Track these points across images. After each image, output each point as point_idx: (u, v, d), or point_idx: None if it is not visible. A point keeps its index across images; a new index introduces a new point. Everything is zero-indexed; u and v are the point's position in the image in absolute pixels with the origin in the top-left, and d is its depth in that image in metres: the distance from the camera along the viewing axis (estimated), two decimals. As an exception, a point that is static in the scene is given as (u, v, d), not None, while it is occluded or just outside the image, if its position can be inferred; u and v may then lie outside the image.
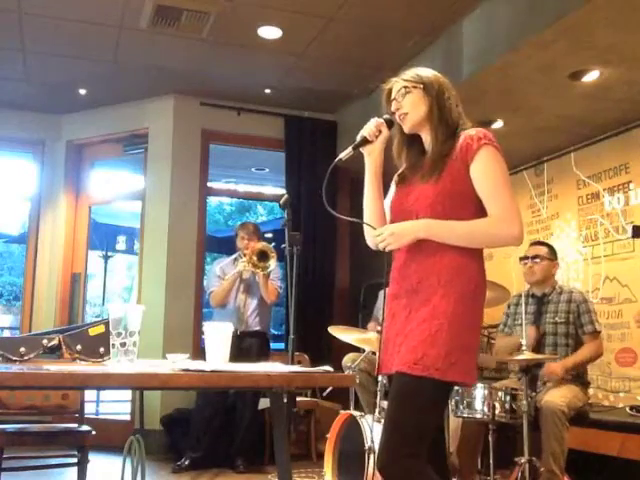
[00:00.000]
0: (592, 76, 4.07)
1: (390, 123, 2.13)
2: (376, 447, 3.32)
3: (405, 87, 2.08)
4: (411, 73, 2.11)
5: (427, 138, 2.10)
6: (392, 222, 2.09)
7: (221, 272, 4.93)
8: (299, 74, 5.41)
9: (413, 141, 2.14)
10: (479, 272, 2.00)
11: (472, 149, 1.96)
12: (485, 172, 1.96)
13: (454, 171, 1.97)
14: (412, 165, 2.12)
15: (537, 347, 3.72)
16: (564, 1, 3.45)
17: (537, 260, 3.83)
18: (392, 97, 2.12)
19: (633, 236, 3.51)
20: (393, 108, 2.11)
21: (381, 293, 5.07)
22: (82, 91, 5.75)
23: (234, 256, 4.96)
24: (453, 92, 2.09)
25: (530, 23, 3.71)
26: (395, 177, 2.19)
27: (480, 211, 1.97)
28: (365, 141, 2.11)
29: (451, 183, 1.97)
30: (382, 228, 2.04)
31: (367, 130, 2.11)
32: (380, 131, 2.11)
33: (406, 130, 2.11)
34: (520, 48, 3.81)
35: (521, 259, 3.90)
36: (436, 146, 2.04)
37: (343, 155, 2.11)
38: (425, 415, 1.90)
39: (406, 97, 2.08)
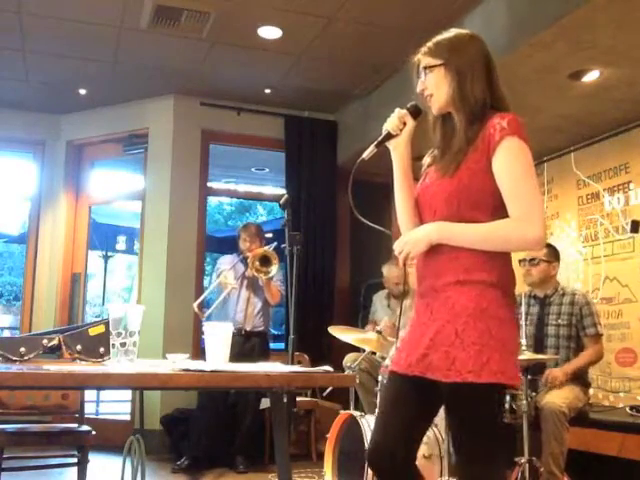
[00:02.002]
0: (592, 76, 4.07)
1: (416, 112, 1.97)
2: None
3: (425, 67, 1.92)
4: (432, 45, 1.93)
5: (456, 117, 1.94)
6: (419, 213, 1.99)
7: (229, 263, 4.94)
8: (299, 74, 5.41)
9: (446, 118, 1.97)
10: (502, 263, 1.84)
11: (494, 140, 1.79)
12: (506, 168, 1.79)
13: (473, 164, 1.82)
14: (439, 147, 1.98)
15: (539, 348, 3.73)
16: (564, 1, 3.45)
17: (534, 262, 3.84)
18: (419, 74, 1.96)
19: (632, 231, 3.49)
20: (419, 89, 1.95)
21: (375, 297, 5.11)
22: (82, 91, 5.75)
23: (238, 259, 4.94)
24: (480, 61, 1.89)
25: (530, 23, 3.71)
26: (425, 158, 2.05)
27: (500, 208, 1.81)
28: (389, 136, 1.97)
29: (468, 177, 1.82)
30: (398, 241, 1.94)
31: (390, 124, 1.97)
32: (405, 123, 1.97)
33: (434, 112, 1.95)
34: (520, 48, 3.81)
35: (520, 262, 3.89)
36: (460, 132, 1.88)
37: (366, 154, 1.97)
38: (482, 422, 1.78)
39: (428, 77, 1.92)
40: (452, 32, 1.95)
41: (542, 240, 1.81)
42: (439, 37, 1.95)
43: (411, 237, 1.91)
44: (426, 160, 2.05)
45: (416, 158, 2.07)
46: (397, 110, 1.98)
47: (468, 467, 1.80)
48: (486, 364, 1.72)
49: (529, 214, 1.77)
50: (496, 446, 1.81)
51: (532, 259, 3.85)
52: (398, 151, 1.99)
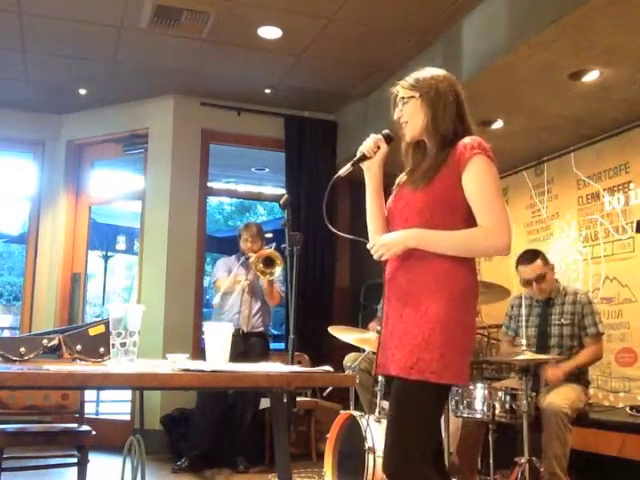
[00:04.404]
0: (592, 76, 4.07)
1: (389, 138, 2.16)
2: (376, 447, 3.32)
3: (403, 97, 2.12)
4: (410, 80, 2.13)
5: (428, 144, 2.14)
6: (389, 225, 2.15)
7: (227, 268, 4.94)
8: (299, 74, 5.41)
9: (419, 144, 2.17)
10: (468, 273, 2.03)
11: (464, 158, 1.98)
12: (476, 182, 1.98)
13: (445, 179, 2.00)
14: (412, 169, 2.16)
15: (542, 348, 3.73)
16: (564, 1, 3.45)
17: (541, 279, 3.75)
18: (396, 103, 2.16)
19: (637, 230, 3.47)
20: (395, 116, 2.15)
21: None
22: (82, 91, 5.75)
23: (241, 261, 4.92)
24: (451, 97, 2.08)
25: (530, 23, 3.71)
26: (397, 180, 2.23)
27: (469, 219, 2.00)
28: (364, 157, 2.15)
29: (441, 190, 2.00)
30: (374, 239, 2.09)
31: (365, 147, 2.15)
32: (379, 147, 2.15)
33: (407, 139, 2.14)
34: (520, 48, 3.81)
35: (525, 283, 3.79)
36: (432, 155, 2.07)
37: (342, 172, 2.14)
38: (426, 418, 1.94)
39: (405, 106, 2.11)
40: (429, 71, 2.15)
41: (509, 247, 1.99)
42: (417, 74, 2.15)
43: (389, 239, 2.05)
44: (399, 179, 2.22)
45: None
46: (372, 135, 2.17)
47: (400, 457, 1.92)
48: (448, 366, 1.91)
49: (498, 224, 1.96)
50: (431, 440, 1.98)
51: (538, 278, 3.74)
52: (371, 171, 2.19)
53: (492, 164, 2.01)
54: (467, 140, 2.01)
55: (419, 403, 1.93)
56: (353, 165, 2.16)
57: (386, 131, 2.18)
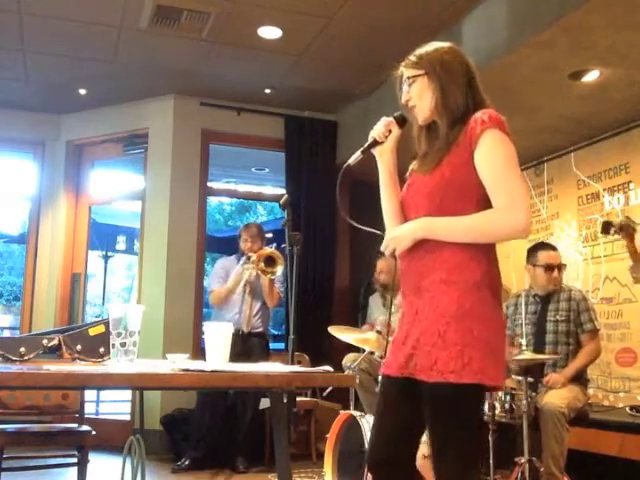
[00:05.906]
0: (592, 76, 4.07)
1: (401, 120, 2.02)
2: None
3: (409, 77, 1.97)
4: (413, 58, 1.98)
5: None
6: (405, 216, 2.00)
7: (224, 273, 4.94)
8: (299, 74, 5.41)
9: (431, 126, 2.00)
10: (485, 261, 1.83)
11: (475, 134, 1.81)
12: (488, 159, 1.81)
13: (455, 159, 1.84)
14: (424, 154, 2.00)
15: (538, 346, 3.73)
16: (564, 1, 3.45)
17: (563, 268, 3.83)
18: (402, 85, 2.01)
19: (603, 231, 3.38)
20: (403, 100, 1.99)
21: (371, 299, 5.12)
22: (82, 91, 5.75)
23: (242, 261, 4.92)
24: (459, 67, 1.94)
25: (530, 23, 3.71)
26: (410, 168, 2.09)
27: (484, 201, 1.82)
28: (375, 143, 2.01)
29: (451, 172, 1.83)
30: (385, 237, 1.96)
31: (376, 131, 2.01)
32: (390, 130, 2.01)
33: (420, 122, 1.98)
34: (520, 48, 3.82)
35: (548, 269, 3.79)
36: (443, 135, 1.91)
37: (352, 160, 2.01)
38: (453, 422, 1.77)
39: (412, 87, 1.96)
40: (432, 45, 2.00)
41: (527, 228, 1.80)
42: (420, 50, 2.00)
43: (397, 233, 1.92)
44: (412, 167, 2.07)
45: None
46: (383, 118, 2.02)
47: (445, 469, 1.80)
48: (467, 364, 1.73)
49: (513, 203, 1.77)
50: (473, 447, 1.83)
51: (560, 265, 3.81)
52: (383, 158, 2.03)
53: (506, 138, 1.84)
54: (478, 114, 1.84)
55: (444, 408, 1.77)
56: (363, 152, 2.00)
57: (399, 113, 2.01)
